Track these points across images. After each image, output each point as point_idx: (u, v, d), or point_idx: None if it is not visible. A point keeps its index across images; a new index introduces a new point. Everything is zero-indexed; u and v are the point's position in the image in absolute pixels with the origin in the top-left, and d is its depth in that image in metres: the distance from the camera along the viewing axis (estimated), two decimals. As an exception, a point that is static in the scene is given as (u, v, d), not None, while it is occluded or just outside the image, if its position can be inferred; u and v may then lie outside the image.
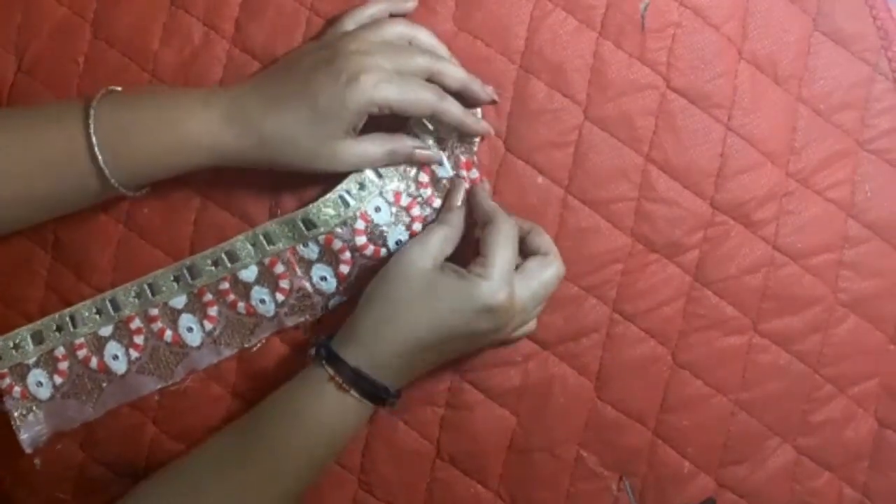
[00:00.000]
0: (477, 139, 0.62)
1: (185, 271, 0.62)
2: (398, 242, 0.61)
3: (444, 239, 0.58)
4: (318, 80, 0.55)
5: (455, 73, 0.59)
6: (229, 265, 0.62)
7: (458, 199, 0.61)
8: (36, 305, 0.63)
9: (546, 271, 0.58)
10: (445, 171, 0.61)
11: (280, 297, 0.62)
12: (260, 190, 0.62)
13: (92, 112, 0.55)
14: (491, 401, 0.64)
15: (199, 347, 0.62)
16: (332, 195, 0.60)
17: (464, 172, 0.61)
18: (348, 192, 0.60)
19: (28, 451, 0.61)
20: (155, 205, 0.63)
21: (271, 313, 0.62)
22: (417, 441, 0.64)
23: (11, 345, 0.62)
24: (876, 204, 0.65)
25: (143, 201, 0.63)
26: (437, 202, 0.62)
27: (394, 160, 0.60)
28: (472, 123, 0.60)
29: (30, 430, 0.62)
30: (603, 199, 0.63)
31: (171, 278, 0.62)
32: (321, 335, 0.59)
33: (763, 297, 0.64)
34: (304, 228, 0.60)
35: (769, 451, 0.65)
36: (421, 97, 0.57)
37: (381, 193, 0.61)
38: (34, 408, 0.62)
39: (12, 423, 0.61)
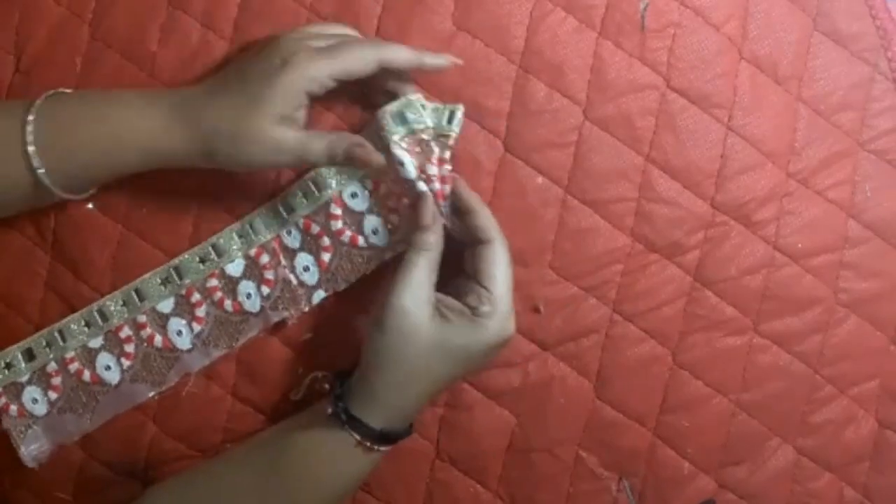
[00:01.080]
0: (453, 133, 0.58)
1: (172, 272, 0.62)
2: (374, 231, 0.61)
3: (428, 269, 0.55)
4: (253, 67, 0.55)
5: (401, 51, 0.56)
6: (217, 259, 0.62)
7: (429, 216, 0.56)
8: (35, 306, 0.63)
9: (502, 261, 0.56)
10: (408, 171, 0.58)
11: (266, 289, 0.61)
12: (260, 191, 0.62)
13: (33, 109, 0.54)
14: (490, 401, 0.64)
15: (189, 350, 0.62)
16: (307, 178, 0.60)
17: (434, 169, 0.58)
18: (324, 175, 0.60)
19: (31, 466, 0.61)
20: (154, 205, 0.63)
21: (257, 308, 0.62)
22: (417, 441, 0.64)
23: (3, 364, 0.62)
24: (876, 204, 0.65)
25: (143, 202, 0.63)
26: (406, 199, 0.60)
27: (334, 157, 0.55)
28: (431, 59, 0.57)
29: (30, 447, 0.62)
30: (603, 199, 0.63)
31: (159, 281, 0.62)
32: (332, 377, 0.59)
33: (763, 297, 0.64)
34: (283, 213, 0.61)
35: (769, 452, 0.65)
36: (359, 53, 0.54)
37: (360, 179, 0.60)
38: (32, 425, 0.62)
39: (12, 441, 0.62)
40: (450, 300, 0.56)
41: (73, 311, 0.63)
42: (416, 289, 0.54)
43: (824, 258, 0.64)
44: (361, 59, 0.55)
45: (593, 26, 0.63)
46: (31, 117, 0.54)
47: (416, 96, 0.59)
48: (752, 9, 0.64)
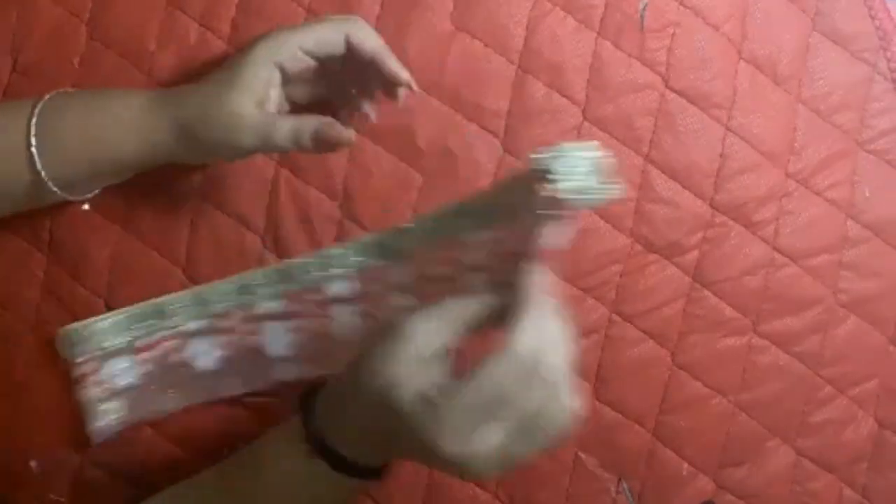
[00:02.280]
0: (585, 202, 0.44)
1: (282, 274, 0.60)
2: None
3: (472, 321, 0.46)
4: (237, 53, 0.55)
5: (372, 37, 0.55)
6: (322, 274, 0.59)
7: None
8: (32, 307, 0.63)
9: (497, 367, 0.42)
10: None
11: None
12: (257, 192, 0.62)
13: (37, 109, 0.54)
14: (489, 402, 0.63)
15: (283, 360, 0.61)
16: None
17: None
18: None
19: (97, 441, 0.61)
20: (151, 206, 0.62)
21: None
22: (416, 443, 0.64)
23: (94, 331, 0.60)
24: (875, 204, 0.65)
25: (140, 203, 0.62)
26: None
27: (299, 140, 0.53)
28: (395, 64, 0.55)
29: (102, 421, 0.61)
30: (602, 199, 0.63)
31: (266, 279, 0.60)
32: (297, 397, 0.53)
33: (763, 297, 0.64)
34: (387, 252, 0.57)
35: (769, 453, 0.65)
36: (329, 25, 0.54)
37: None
38: (111, 398, 0.61)
39: (85, 413, 0.61)
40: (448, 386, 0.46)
41: (70, 312, 0.62)
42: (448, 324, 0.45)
43: (824, 258, 0.64)
44: (330, 31, 0.54)
45: (592, 26, 0.63)
46: (34, 117, 0.54)
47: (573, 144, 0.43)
48: (751, 9, 0.64)
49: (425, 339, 0.44)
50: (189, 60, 0.62)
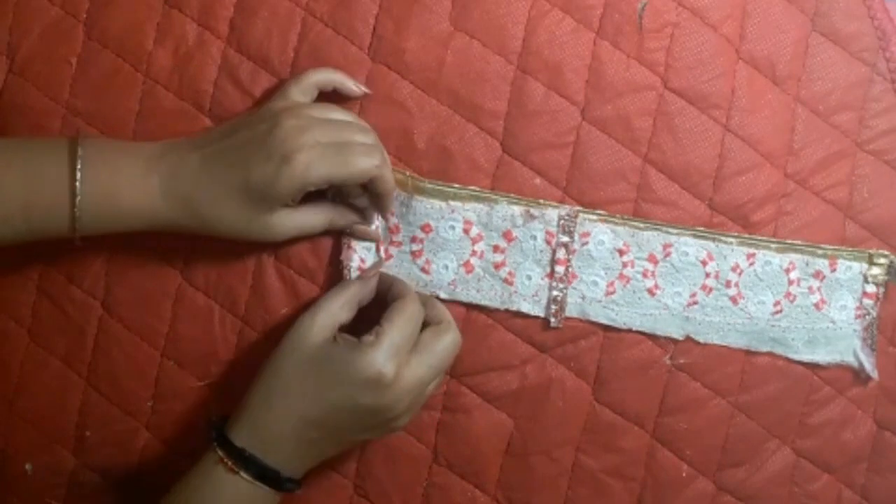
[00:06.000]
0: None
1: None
2: None
3: (341, 304, 0.57)
4: (252, 156, 0.55)
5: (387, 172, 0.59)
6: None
7: (374, 269, 0.60)
8: (28, 309, 0.63)
9: (441, 341, 0.57)
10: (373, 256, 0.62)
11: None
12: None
13: (79, 150, 0.54)
14: (488, 404, 0.63)
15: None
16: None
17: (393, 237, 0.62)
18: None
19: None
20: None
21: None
22: (414, 445, 0.63)
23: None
24: (874, 205, 0.65)
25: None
26: None
27: (333, 228, 0.60)
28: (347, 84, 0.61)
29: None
30: (601, 200, 0.63)
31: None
32: (216, 416, 0.57)
33: (762, 298, 0.64)
34: None
35: (768, 454, 0.64)
36: (359, 166, 0.56)
37: None
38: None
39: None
40: (349, 337, 0.56)
41: (65, 314, 0.62)
42: (316, 319, 0.55)
43: (822, 259, 0.64)
44: (358, 174, 0.56)
45: (591, 26, 0.63)
46: (79, 152, 0.54)
47: None
48: (749, 9, 0.64)
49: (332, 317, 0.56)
50: (187, 60, 0.62)
